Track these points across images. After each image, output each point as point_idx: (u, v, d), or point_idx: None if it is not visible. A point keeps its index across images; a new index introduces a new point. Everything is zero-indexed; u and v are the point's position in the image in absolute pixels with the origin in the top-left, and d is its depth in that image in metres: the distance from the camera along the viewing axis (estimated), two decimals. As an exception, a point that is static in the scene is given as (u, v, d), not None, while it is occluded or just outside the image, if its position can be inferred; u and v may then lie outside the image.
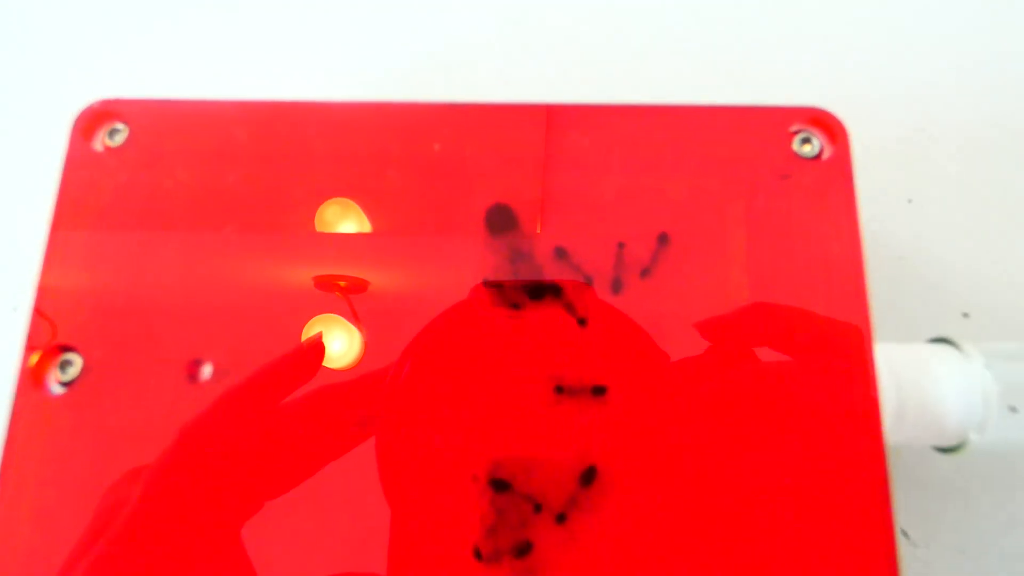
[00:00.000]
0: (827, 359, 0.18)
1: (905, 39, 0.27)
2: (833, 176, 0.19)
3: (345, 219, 0.20)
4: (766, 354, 0.19)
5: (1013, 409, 0.19)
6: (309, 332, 0.19)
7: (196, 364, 0.19)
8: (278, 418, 0.18)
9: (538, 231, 0.21)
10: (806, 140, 0.19)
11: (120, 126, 0.20)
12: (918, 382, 0.19)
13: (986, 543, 0.22)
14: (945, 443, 0.20)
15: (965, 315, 0.21)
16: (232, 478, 0.17)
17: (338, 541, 0.18)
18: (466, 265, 0.20)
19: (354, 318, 0.19)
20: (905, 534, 0.22)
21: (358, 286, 0.20)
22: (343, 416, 0.18)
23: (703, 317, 0.20)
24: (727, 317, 0.19)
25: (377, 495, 0.18)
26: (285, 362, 0.18)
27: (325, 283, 0.19)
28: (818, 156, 0.19)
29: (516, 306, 0.20)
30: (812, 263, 0.19)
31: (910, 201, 0.25)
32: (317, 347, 0.19)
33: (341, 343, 0.19)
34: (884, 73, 0.26)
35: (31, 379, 0.18)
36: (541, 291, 0.20)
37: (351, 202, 0.20)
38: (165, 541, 0.17)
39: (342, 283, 0.19)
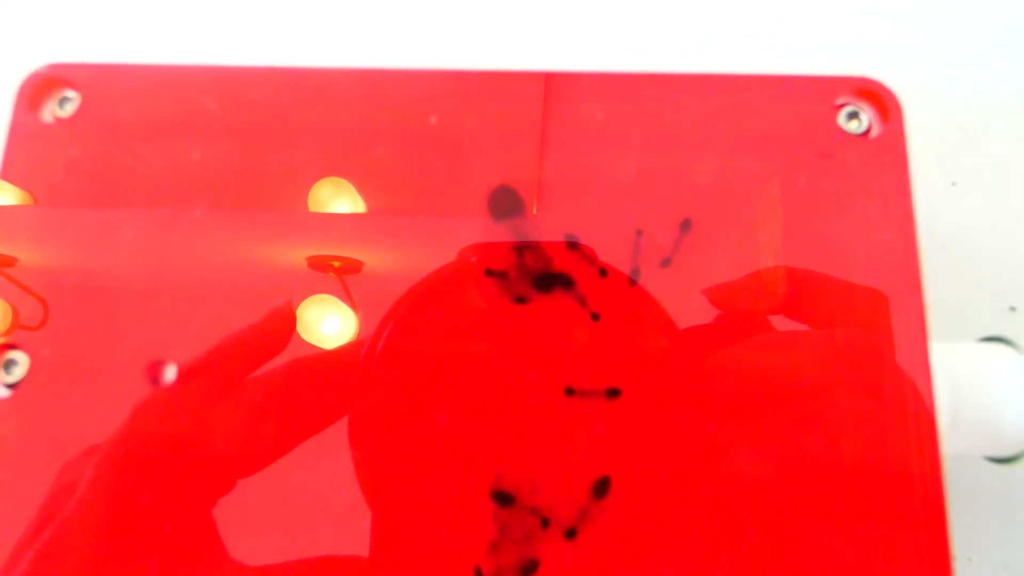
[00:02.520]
0: (876, 361, 0.16)
1: (954, 7, 0.25)
2: (883, 156, 0.17)
3: (338, 199, 0.18)
4: (804, 351, 0.17)
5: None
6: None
7: (158, 365, 0.16)
8: (250, 392, 0.16)
9: (536, 215, 0.19)
10: (853, 115, 0.17)
11: (71, 94, 0.18)
12: (973, 385, 0.17)
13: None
14: (1001, 452, 0.18)
15: (1012, 309, 0.19)
16: (201, 455, 0.16)
17: (315, 521, 0.17)
18: (466, 255, 0.18)
19: (349, 299, 0.17)
20: (946, 549, 0.20)
21: (351, 267, 0.18)
22: (319, 391, 0.17)
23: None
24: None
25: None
26: (251, 333, 0.17)
27: (317, 263, 0.18)
28: (866, 133, 0.17)
29: (522, 299, 0.18)
30: (857, 253, 0.17)
31: (954, 184, 0.23)
32: (287, 317, 0.17)
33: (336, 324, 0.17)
34: (928, 44, 0.24)
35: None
36: (550, 282, 0.18)
37: (344, 181, 0.18)
38: (127, 521, 0.16)
39: (336, 264, 0.18)
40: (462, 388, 0.17)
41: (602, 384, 0.17)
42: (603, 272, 0.18)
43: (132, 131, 0.18)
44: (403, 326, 0.17)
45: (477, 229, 0.18)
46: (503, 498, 0.17)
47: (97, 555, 0.15)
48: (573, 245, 0.19)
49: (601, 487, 0.17)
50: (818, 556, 0.16)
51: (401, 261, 0.18)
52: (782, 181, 0.18)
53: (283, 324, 0.17)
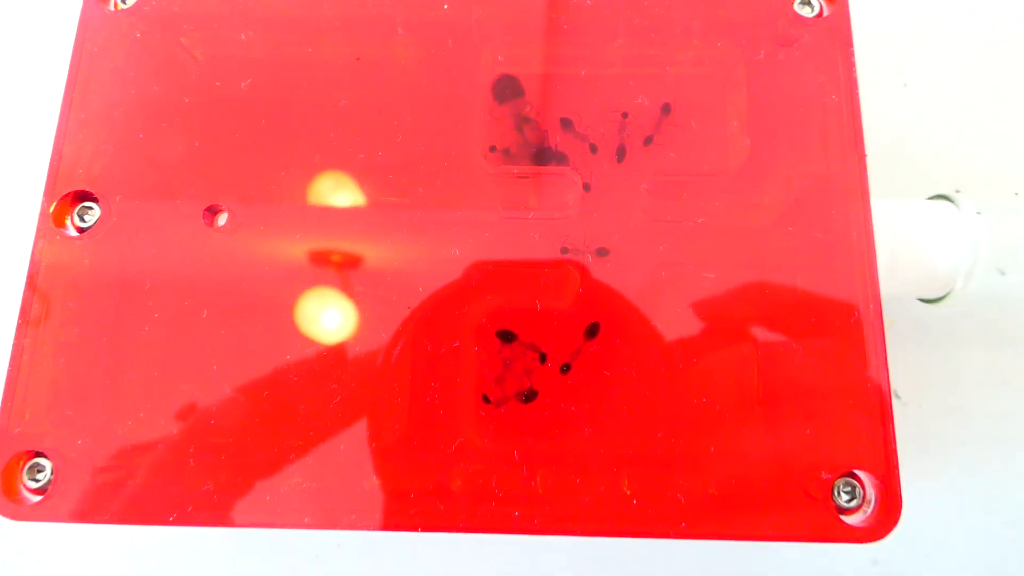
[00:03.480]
0: (825, 216, 0.19)
1: None
2: (832, 33, 0.19)
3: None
4: (762, 218, 0.20)
5: (1001, 272, 0.20)
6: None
7: (211, 211, 0.19)
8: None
9: (535, 99, 0.21)
10: (806, 2, 0.20)
11: (132, -12, 0.21)
12: (913, 231, 0.20)
13: (975, 403, 0.23)
14: (930, 295, 0.20)
15: (957, 191, 0.22)
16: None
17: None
18: (471, 133, 0.21)
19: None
20: (896, 395, 0.23)
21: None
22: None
23: (705, 182, 0.20)
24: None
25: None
26: None
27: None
28: (818, 15, 0.20)
29: (523, 175, 0.21)
30: (812, 116, 0.20)
31: (905, 85, 0.25)
32: None
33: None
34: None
35: (51, 223, 0.19)
36: (547, 157, 0.21)
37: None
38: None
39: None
40: (473, 247, 0.20)
41: (592, 245, 0.20)
42: (593, 148, 0.21)
43: (182, 21, 0.20)
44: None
45: (483, 110, 0.21)
46: (507, 335, 0.19)
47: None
48: (567, 124, 0.21)
49: (592, 330, 0.20)
50: (777, 386, 0.18)
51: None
52: (751, 61, 0.20)
53: None
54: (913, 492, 0.22)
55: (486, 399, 0.19)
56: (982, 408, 0.23)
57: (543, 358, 0.19)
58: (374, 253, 0.19)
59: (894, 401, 0.23)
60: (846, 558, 0.22)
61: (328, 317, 0.19)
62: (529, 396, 0.19)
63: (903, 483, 0.22)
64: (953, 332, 0.23)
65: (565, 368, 0.19)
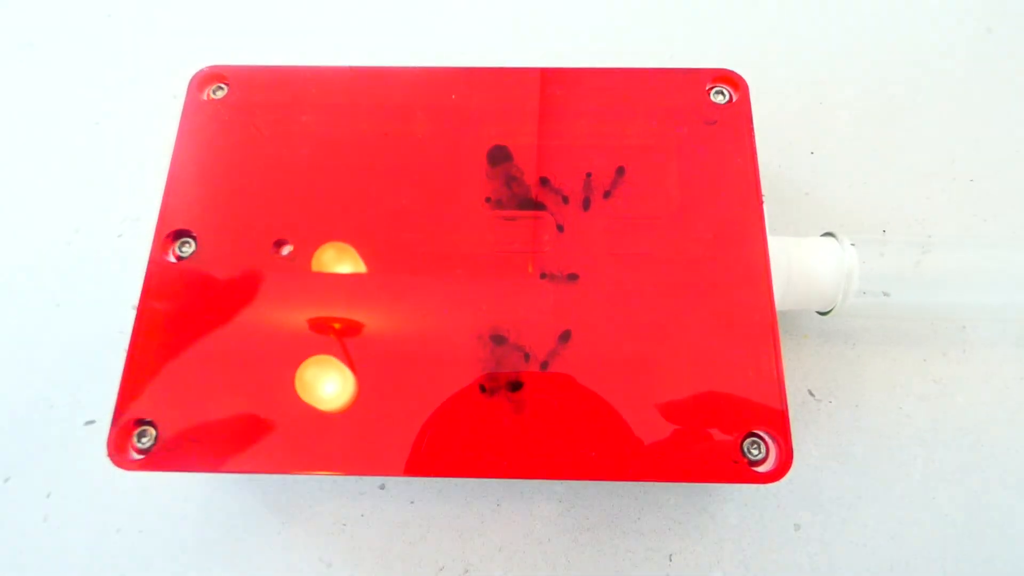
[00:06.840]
0: (734, 247, 0.25)
1: (812, 31, 0.35)
2: (739, 114, 0.26)
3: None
4: (689, 250, 0.26)
5: (886, 294, 0.26)
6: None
7: (278, 244, 0.25)
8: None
9: (520, 163, 0.27)
10: (719, 92, 0.27)
11: (223, 85, 0.28)
12: (804, 259, 0.26)
13: (874, 399, 0.28)
14: (823, 307, 0.26)
15: (857, 232, 0.28)
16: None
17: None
18: (472, 188, 0.27)
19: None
20: (811, 393, 0.28)
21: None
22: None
23: (648, 223, 0.26)
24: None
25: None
26: None
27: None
28: (728, 102, 0.27)
29: (511, 219, 0.27)
30: (724, 175, 0.26)
31: (812, 153, 0.32)
32: None
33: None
34: (793, 57, 0.35)
35: (160, 253, 0.25)
36: (529, 205, 0.27)
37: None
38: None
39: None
40: (472, 274, 0.26)
41: (565, 271, 0.26)
42: (565, 200, 0.27)
43: (259, 107, 0.27)
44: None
45: (481, 171, 0.27)
46: (498, 339, 0.25)
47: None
48: (545, 182, 0.28)
49: (565, 336, 0.25)
50: (696, 382, 0.24)
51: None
52: (680, 135, 0.27)
53: None
54: (825, 470, 0.28)
55: (482, 388, 0.24)
56: (880, 403, 0.28)
57: (527, 357, 0.25)
58: (399, 274, 0.25)
59: (810, 398, 0.29)
60: (774, 523, 0.27)
61: (363, 322, 0.25)
62: (516, 386, 0.24)
63: (816, 463, 0.28)
64: (856, 342, 0.29)
65: (544, 365, 0.25)
